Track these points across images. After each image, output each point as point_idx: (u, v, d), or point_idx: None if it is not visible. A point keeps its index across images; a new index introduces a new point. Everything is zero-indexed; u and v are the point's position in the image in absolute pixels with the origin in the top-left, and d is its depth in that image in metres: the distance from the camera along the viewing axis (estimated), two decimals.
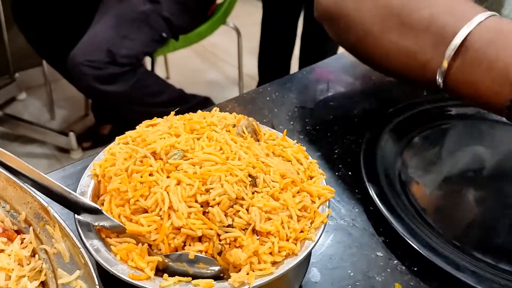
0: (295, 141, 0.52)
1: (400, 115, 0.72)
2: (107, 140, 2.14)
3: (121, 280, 0.39)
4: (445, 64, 0.55)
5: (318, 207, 0.45)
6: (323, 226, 0.44)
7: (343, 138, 0.72)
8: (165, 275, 0.39)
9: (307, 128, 0.73)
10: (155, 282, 0.39)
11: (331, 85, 0.83)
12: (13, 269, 0.40)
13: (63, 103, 2.35)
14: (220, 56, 2.88)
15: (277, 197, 0.44)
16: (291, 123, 0.73)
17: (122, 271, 0.39)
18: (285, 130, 0.53)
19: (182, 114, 0.52)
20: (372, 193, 0.59)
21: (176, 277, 0.39)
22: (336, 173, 0.66)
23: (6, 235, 0.43)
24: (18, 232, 0.45)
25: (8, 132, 2.14)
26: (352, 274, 0.53)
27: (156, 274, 0.40)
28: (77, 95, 2.18)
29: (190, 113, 0.53)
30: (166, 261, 0.41)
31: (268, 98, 0.78)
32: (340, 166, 0.67)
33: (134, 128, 0.52)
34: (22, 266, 0.41)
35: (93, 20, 1.70)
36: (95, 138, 2.12)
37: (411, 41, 0.58)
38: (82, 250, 0.41)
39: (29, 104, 2.34)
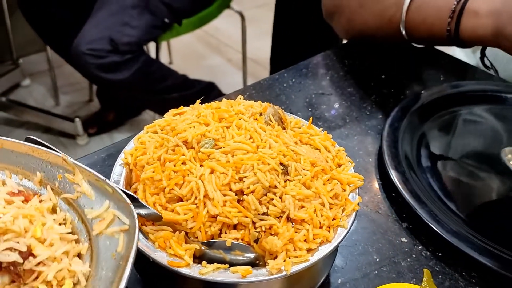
0: (321, 128, 0.53)
1: (419, 100, 0.72)
2: (113, 126, 2.14)
3: (159, 267, 0.40)
4: (404, 14, 0.74)
5: (348, 195, 0.46)
6: (354, 213, 0.45)
7: (362, 125, 0.72)
8: (204, 262, 0.40)
9: (325, 114, 0.73)
10: (194, 269, 0.39)
11: (348, 71, 0.83)
12: (34, 216, 0.39)
13: (67, 89, 2.34)
14: (223, 41, 2.87)
15: (309, 185, 0.44)
16: (309, 109, 0.74)
17: (161, 258, 0.40)
18: (311, 118, 0.53)
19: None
20: (394, 179, 0.60)
21: (215, 264, 0.40)
22: (357, 160, 0.66)
23: (23, 195, 0.42)
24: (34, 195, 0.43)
25: (13, 119, 2.13)
26: (377, 260, 0.54)
27: (193, 261, 0.40)
28: (81, 80, 2.17)
29: (216, 101, 0.53)
30: (203, 248, 0.41)
31: (285, 85, 0.78)
32: (360, 152, 0.67)
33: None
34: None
35: (95, 5, 1.69)
36: (100, 124, 2.12)
37: (380, 5, 0.78)
38: (107, 180, 0.40)
39: (33, 90, 2.34)
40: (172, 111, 0.53)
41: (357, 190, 0.47)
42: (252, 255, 0.41)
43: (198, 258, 0.41)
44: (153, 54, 1.97)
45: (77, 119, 2.03)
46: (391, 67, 0.85)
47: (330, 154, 0.49)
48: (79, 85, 2.32)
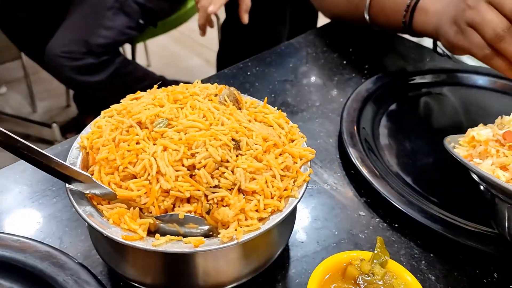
0: (276, 108, 0.54)
1: (377, 83, 0.75)
2: None
3: (116, 244, 0.41)
4: (367, 2, 0.80)
5: (300, 167, 0.47)
6: (305, 184, 0.46)
7: (323, 108, 0.74)
8: (157, 235, 0.41)
9: (288, 100, 0.75)
10: (148, 242, 0.40)
11: (310, 58, 0.85)
12: None
13: (44, 95, 2.33)
14: (200, 42, 2.87)
15: (260, 158, 0.46)
16: (272, 95, 0.75)
17: (115, 233, 0.41)
18: (266, 98, 0.54)
19: None
20: (352, 157, 0.62)
21: (168, 236, 0.41)
22: (318, 141, 0.68)
23: None
24: None
25: None
26: (336, 233, 0.56)
27: (148, 236, 0.41)
28: (57, 86, 2.16)
29: (174, 85, 0.54)
30: (157, 222, 0.42)
31: (249, 73, 0.80)
32: (321, 134, 0.69)
33: None
34: None
35: (69, 8, 1.69)
36: (78, 129, 2.10)
37: None
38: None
39: (9, 98, 2.32)
40: (129, 96, 0.54)
41: (309, 163, 0.48)
42: (206, 227, 0.43)
43: (153, 232, 0.42)
44: (129, 56, 1.97)
45: (54, 125, 2.02)
46: (352, 54, 0.87)
47: (283, 130, 0.51)
48: (55, 91, 2.30)
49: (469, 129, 0.56)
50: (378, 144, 0.67)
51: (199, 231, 0.43)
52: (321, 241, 0.54)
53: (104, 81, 1.65)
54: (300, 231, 0.56)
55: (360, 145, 0.64)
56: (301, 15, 1.91)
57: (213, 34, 2.29)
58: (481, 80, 0.77)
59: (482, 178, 0.47)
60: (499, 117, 0.54)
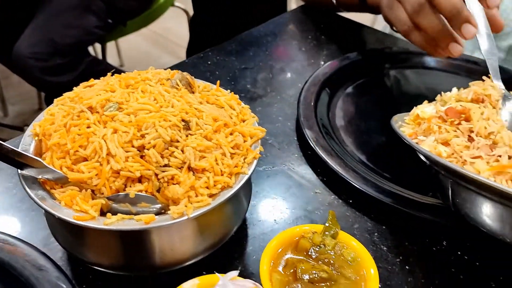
0: (229, 90, 0.55)
1: (333, 68, 0.76)
2: None
3: (69, 226, 0.41)
4: None
5: (250, 145, 0.49)
6: (255, 161, 0.47)
7: (282, 94, 0.75)
8: (108, 214, 0.42)
9: (248, 86, 0.76)
10: (99, 221, 0.41)
11: (269, 47, 0.87)
12: None
13: (15, 99, 2.29)
14: (173, 40, 2.87)
15: (210, 137, 0.47)
16: (232, 83, 0.76)
17: (67, 214, 0.41)
18: (218, 81, 0.55)
19: None
20: (309, 138, 0.63)
21: (119, 214, 0.42)
22: (276, 125, 0.69)
23: None
24: None
25: None
26: (293, 210, 0.57)
27: (101, 216, 0.42)
28: (29, 90, 2.13)
29: (127, 72, 0.55)
30: (110, 203, 0.43)
31: (209, 62, 0.81)
32: (280, 118, 0.71)
33: None
34: None
35: (37, 9, 1.67)
36: None
37: None
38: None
39: None
40: (83, 84, 0.54)
41: (259, 141, 0.50)
42: (158, 206, 0.44)
43: (107, 213, 0.43)
44: (99, 56, 1.96)
45: (26, 128, 2.00)
46: (311, 41, 0.89)
47: (235, 111, 0.52)
48: (27, 95, 2.27)
49: (414, 108, 0.58)
50: (334, 125, 0.69)
51: (151, 209, 0.44)
52: (278, 219, 0.56)
53: (74, 81, 1.63)
54: (258, 210, 0.57)
55: (316, 126, 0.66)
56: (270, 12, 1.93)
57: (184, 31, 2.29)
58: (430, 61, 0.80)
59: (425, 155, 0.49)
60: (439, 94, 0.56)
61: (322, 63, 0.79)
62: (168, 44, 2.87)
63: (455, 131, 0.50)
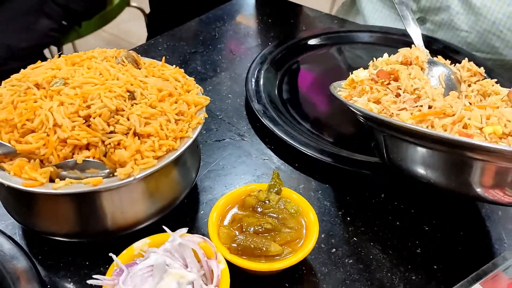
0: (175, 65, 0.58)
1: (280, 47, 0.80)
2: None
3: (19, 193, 0.43)
4: None
5: (195, 113, 0.52)
6: (199, 126, 0.50)
7: (232, 73, 0.78)
8: (57, 179, 0.44)
9: (198, 68, 0.79)
10: (48, 186, 0.43)
11: (219, 31, 0.90)
12: None
13: None
14: (131, 42, 2.86)
15: (155, 105, 0.49)
16: (183, 66, 0.79)
17: (16, 182, 0.43)
18: (164, 57, 0.58)
19: None
20: (256, 111, 0.67)
21: (68, 179, 0.44)
22: (227, 101, 0.72)
23: None
24: None
25: None
26: (242, 176, 0.60)
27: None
28: None
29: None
30: (59, 171, 0.45)
31: (160, 48, 0.83)
32: (230, 95, 0.74)
33: None
34: None
35: None
36: None
37: None
38: None
39: None
40: (30, 66, 0.56)
41: (203, 108, 0.52)
42: (106, 171, 0.46)
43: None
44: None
45: None
46: (258, 24, 0.92)
47: (179, 82, 0.55)
48: None
49: (350, 74, 0.62)
50: (281, 98, 0.72)
51: (100, 175, 0.46)
52: (228, 185, 0.59)
53: None
54: (209, 179, 0.60)
55: (263, 100, 0.69)
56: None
57: (142, 32, 2.30)
58: (367, 37, 0.85)
59: (359, 111, 0.53)
60: (372, 60, 0.61)
61: (269, 44, 0.83)
62: (126, 45, 2.85)
63: (385, 90, 0.54)
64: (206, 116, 0.52)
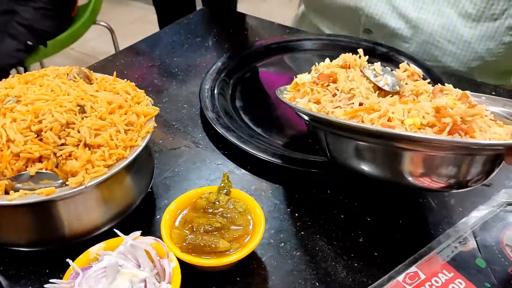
0: (125, 79, 0.61)
1: (232, 58, 0.84)
2: None
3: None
4: None
5: (145, 122, 0.55)
6: (148, 135, 0.53)
7: (187, 84, 0.82)
8: (11, 191, 0.46)
9: (155, 81, 0.82)
10: (3, 198, 0.45)
11: (175, 45, 0.93)
12: None
13: None
14: (97, 57, 2.87)
15: (105, 117, 0.52)
16: (140, 79, 0.82)
17: None
18: (115, 72, 0.61)
19: None
20: (210, 119, 0.70)
21: (22, 190, 0.46)
22: (182, 111, 0.76)
23: None
24: None
25: None
26: (197, 181, 0.63)
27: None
28: None
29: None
30: (13, 183, 0.48)
31: (117, 63, 0.86)
32: (185, 105, 0.77)
33: None
34: None
35: None
36: None
37: None
38: None
39: None
40: None
41: (153, 118, 0.56)
42: (59, 181, 0.48)
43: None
44: None
45: None
46: (213, 37, 0.97)
47: (130, 95, 0.58)
48: None
49: (295, 78, 0.66)
50: (234, 106, 0.76)
51: (53, 185, 0.48)
52: (183, 190, 0.62)
53: None
54: (165, 185, 0.63)
55: (216, 108, 0.73)
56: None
57: (109, 47, 2.32)
58: (310, 44, 0.90)
59: (298, 111, 0.57)
60: (314, 65, 0.65)
61: (224, 55, 0.87)
62: (93, 62, 2.87)
63: (325, 91, 0.59)
64: (155, 125, 0.55)
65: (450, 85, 0.56)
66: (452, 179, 0.47)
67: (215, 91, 0.76)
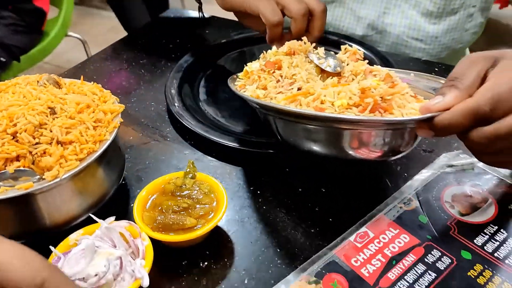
0: (92, 82, 0.66)
1: (194, 56, 0.90)
2: None
3: None
4: None
5: (111, 119, 0.60)
6: (116, 129, 0.59)
7: (154, 84, 0.87)
8: None
9: (123, 83, 0.87)
10: None
11: (140, 49, 0.98)
12: None
13: None
14: None
15: (74, 117, 0.57)
16: (109, 83, 0.87)
17: None
18: (82, 76, 0.66)
19: None
20: (175, 113, 0.76)
21: (2, 187, 0.51)
22: (150, 109, 0.81)
23: None
24: None
25: None
26: (166, 171, 0.69)
27: None
28: None
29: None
30: None
31: (87, 70, 0.91)
32: (152, 103, 0.83)
33: None
34: None
35: None
36: None
37: None
38: None
39: None
40: None
41: (119, 114, 0.61)
42: (37, 177, 0.53)
43: None
44: None
45: None
46: (177, 39, 1.02)
47: (97, 95, 0.63)
48: None
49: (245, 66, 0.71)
50: (198, 100, 0.82)
51: (32, 180, 0.53)
52: (154, 179, 0.67)
53: None
54: (137, 176, 0.68)
55: (181, 103, 0.78)
56: None
57: (83, 58, 2.35)
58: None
59: (244, 98, 0.62)
60: (262, 53, 0.71)
61: (186, 54, 0.92)
62: None
63: (271, 77, 0.64)
64: (122, 120, 0.60)
65: (379, 66, 0.62)
66: (385, 148, 0.53)
67: (180, 88, 0.82)
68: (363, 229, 0.59)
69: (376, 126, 0.50)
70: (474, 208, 0.60)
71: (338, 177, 0.67)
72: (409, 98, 0.54)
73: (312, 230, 0.59)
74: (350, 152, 0.55)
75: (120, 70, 0.91)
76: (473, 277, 0.52)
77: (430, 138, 0.54)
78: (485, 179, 0.64)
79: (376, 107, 0.51)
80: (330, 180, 0.66)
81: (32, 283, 0.32)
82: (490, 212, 0.60)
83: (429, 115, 0.47)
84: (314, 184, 0.65)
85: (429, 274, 0.53)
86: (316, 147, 0.57)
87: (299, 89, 0.58)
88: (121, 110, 0.62)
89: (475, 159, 0.66)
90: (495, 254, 0.55)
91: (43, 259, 0.35)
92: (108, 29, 3.30)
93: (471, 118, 0.45)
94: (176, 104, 0.78)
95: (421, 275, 0.53)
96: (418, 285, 0.52)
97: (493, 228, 0.58)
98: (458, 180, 0.64)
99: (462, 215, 0.60)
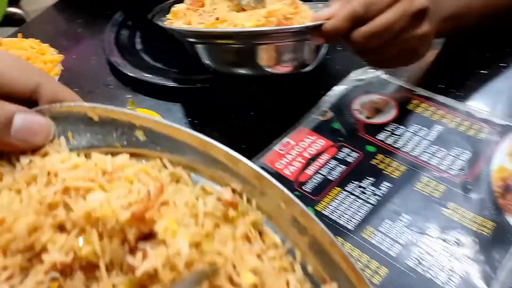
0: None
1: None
2: None
3: None
4: None
5: (53, 68, 0.66)
6: (57, 76, 0.65)
7: (94, 41, 0.93)
8: None
9: (63, 43, 0.92)
10: None
11: (78, 9, 1.03)
12: None
13: None
14: None
15: None
16: (50, 43, 0.92)
17: None
18: (21, 34, 0.71)
19: None
20: (114, 62, 0.82)
21: None
22: (91, 62, 0.87)
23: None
24: None
25: None
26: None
27: None
28: None
29: None
30: None
31: (26, 34, 0.95)
32: (93, 57, 0.89)
33: None
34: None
35: None
36: None
37: None
38: None
39: None
40: None
41: (59, 64, 0.67)
42: None
43: None
44: None
45: None
46: None
47: (35, 49, 0.69)
48: None
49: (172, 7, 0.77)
50: (134, 49, 0.88)
51: None
52: None
53: None
54: None
55: (119, 53, 0.85)
56: None
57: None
58: None
59: (171, 31, 0.68)
60: None
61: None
62: None
63: (196, 14, 0.71)
64: (62, 68, 0.67)
65: None
66: (293, 61, 0.62)
67: (116, 39, 0.88)
68: (286, 139, 0.68)
69: (276, 37, 0.59)
70: (378, 111, 0.71)
71: (279, 88, 0.76)
72: (309, 18, 0.62)
73: (243, 146, 0.68)
74: (266, 68, 0.64)
75: (60, 31, 0.96)
76: (376, 164, 0.63)
77: (322, 43, 0.63)
78: (388, 87, 0.75)
79: (279, 25, 0.60)
80: (256, 100, 0.75)
81: (27, 87, 0.33)
82: (392, 113, 0.71)
83: (318, 22, 0.56)
84: (243, 104, 0.74)
85: (340, 167, 0.63)
86: (237, 68, 0.66)
87: (217, 19, 0.66)
88: (60, 60, 0.68)
89: (379, 72, 0.76)
90: (394, 145, 0.66)
91: (38, 68, 0.35)
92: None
93: (350, 20, 0.54)
94: (115, 54, 0.84)
95: (333, 168, 0.63)
96: (331, 176, 0.62)
97: (394, 125, 0.69)
98: (366, 91, 0.75)
99: (368, 118, 0.70)
